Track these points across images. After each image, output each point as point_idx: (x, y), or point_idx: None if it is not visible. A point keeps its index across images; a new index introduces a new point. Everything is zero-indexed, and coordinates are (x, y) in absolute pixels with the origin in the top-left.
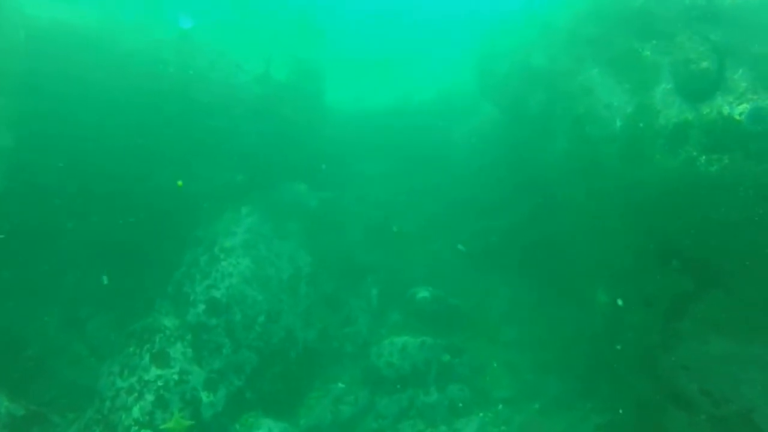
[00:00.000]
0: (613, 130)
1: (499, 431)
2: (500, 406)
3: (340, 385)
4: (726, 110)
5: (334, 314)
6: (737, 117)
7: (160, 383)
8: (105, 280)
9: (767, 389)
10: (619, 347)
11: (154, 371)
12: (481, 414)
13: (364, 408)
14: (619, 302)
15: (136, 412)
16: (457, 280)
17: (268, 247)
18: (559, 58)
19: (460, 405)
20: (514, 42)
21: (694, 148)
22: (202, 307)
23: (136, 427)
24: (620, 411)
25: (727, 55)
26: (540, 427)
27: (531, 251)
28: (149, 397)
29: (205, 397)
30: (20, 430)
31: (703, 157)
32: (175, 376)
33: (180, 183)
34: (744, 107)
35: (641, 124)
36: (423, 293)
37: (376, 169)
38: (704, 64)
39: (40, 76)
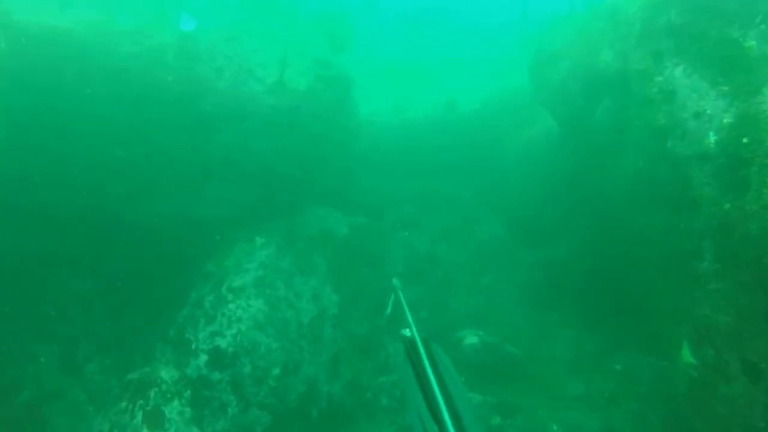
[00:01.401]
0: (705, 146)
1: None
2: None
3: None
4: None
5: (367, 361)
6: None
7: None
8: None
9: None
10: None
11: None
12: None
13: None
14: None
15: None
16: (511, 321)
17: (287, 284)
18: (632, 56)
19: None
20: (574, 38)
21: None
22: (204, 358)
23: None
24: None
25: None
26: None
27: (598, 287)
28: None
29: None
30: None
31: None
32: None
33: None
34: None
35: (745, 140)
36: (471, 338)
37: (416, 189)
38: None
39: (26, 88)
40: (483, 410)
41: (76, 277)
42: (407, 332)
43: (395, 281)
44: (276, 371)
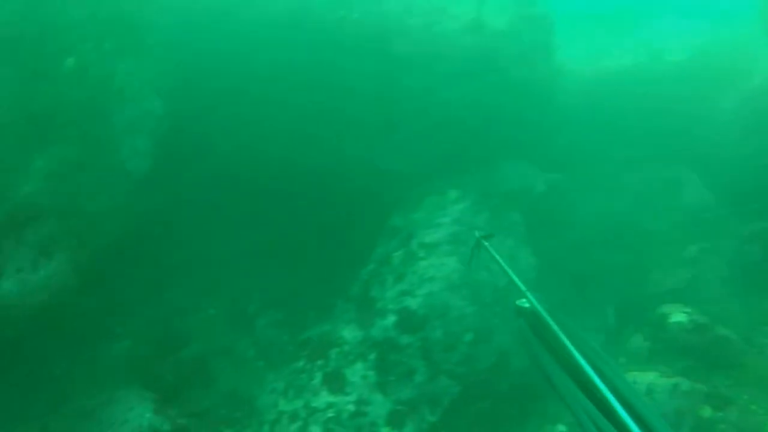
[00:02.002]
0: None
1: None
2: None
3: (561, 428)
4: None
5: None
6: None
7: (330, 413)
8: None
9: None
10: None
11: (325, 397)
12: None
13: None
14: None
15: None
16: (719, 300)
17: None
18: None
19: None
20: None
21: None
22: (392, 318)
23: None
24: None
25: None
26: None
27: None
28: (315, 431)
29: None
30: None
31: None
32: (351, 407)
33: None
34: None
35: None
36: (678, 316)
37: (613, 144)
38: None
39: (197, 32)
40: (692, 399)
41: (248, 229)
42: (524, 302)
43: (477, 233)
44: (469, 337)
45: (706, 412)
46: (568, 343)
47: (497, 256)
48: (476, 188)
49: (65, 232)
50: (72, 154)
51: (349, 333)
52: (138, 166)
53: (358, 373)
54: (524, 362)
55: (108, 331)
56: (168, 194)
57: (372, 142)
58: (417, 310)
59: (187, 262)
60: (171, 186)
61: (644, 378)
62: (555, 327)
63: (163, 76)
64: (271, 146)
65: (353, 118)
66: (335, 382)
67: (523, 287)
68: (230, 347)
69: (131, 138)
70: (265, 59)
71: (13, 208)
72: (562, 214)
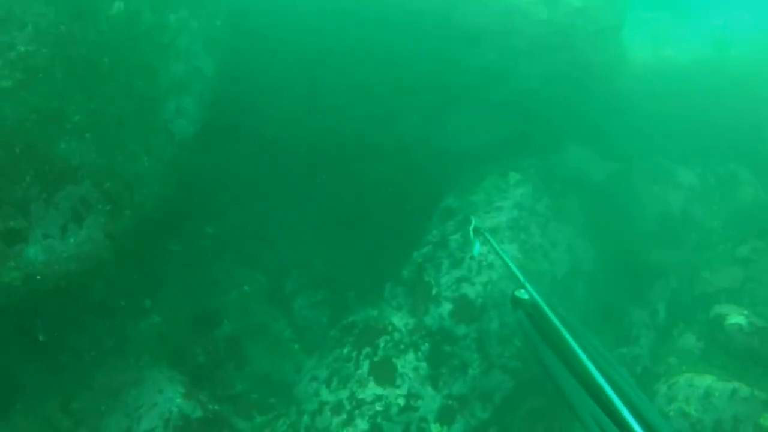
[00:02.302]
0: None
1: None
2: None
3: None
4: None
5: (609, 328)
6: None
7: (378, 407)
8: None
9: None
10: None
11: (373, 388)
12: None
13: None
14: None
15: None
16: None
17: (542, 230)
18: None
19: None
20: None
21: None
22: (448, 307)
23: None
24: None
25: None
26: None
27: None
28: (362, 425)
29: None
30: None
31: None
32: (401, 400)
33: None
34: None
35: None
36: (737, 317)
37: (672, 138)
38: None
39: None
40: (751, 405)
41: (291, 203)
42: (523, 293)
43: (473, 220)
44: None
45: (766, 420)
46: (568, 336)
47: (494, 242)
48: (537, 172)
49: (100, 197)
50: (113, 110)
51: (400, 320)
52: (182, 130)
53: (409, 364)
54: None
55: (137, 305)
56: (211, 162)
57: (429, 118)
58: (475, 298)
59: (225, 235)
60: (215, 154)
61: (701, 381)
62: (555, 320)
63: (219, 35)
64: (323, 120)
65: (410, 91)
66: (384, 372)
67: (522, 277)
68: (265, 327)
69: (177, 98)
70: (328, 29)
71: (43, 167)
72: (619, 204)
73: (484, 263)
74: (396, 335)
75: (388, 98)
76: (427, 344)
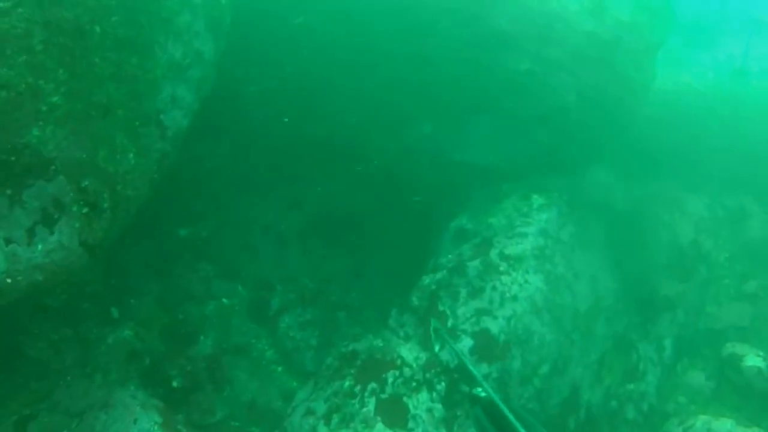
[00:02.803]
0: None
1: None
2: None
3: None
4: None
5: (620, 362)
6: None
7: None
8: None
9: None
10: None
11: (382, 431)
12: None
13: None
14: None
15: None
16: None
17: (567, 260)
18: None
19: None
20: None
21: None
22: (468, 342)
23: None
24: None
25: None
26: None
27: None
28: None
29: None
30: None
31: None
32: None
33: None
34: None
35: None
36: (753, 360)
37: (685, 165)
38: None
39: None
40: None
41: (281, 211)
42: (480, 391)
43: (434, 323)
44: (545, 369)
45: None
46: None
47: (452, 343)
48: (561, 195)
49: (76, 196)
50: (99, 93)
51: (409, 353)
52: (176, 123)
53: (423, 404)
54: (595, 397)
55: (104, 314)
56: (202, 160)
57: (445, 125)
58: (498, 334)
59: (206, 242)
60: (200, 149)
61: (720, 426)
62: (511, 417)
63: (223, 15)
64: (327, 117)
65: (430, 94)
66: (394, 413)
67: (479, 376)
68: (247, 346)
69: (173, 85)
70: (349, 22)
71: (9, 157)
72: (635, 233)
73: (507, 295)
74: (406, 371)
75: (401, 99)
76: (443, 383)
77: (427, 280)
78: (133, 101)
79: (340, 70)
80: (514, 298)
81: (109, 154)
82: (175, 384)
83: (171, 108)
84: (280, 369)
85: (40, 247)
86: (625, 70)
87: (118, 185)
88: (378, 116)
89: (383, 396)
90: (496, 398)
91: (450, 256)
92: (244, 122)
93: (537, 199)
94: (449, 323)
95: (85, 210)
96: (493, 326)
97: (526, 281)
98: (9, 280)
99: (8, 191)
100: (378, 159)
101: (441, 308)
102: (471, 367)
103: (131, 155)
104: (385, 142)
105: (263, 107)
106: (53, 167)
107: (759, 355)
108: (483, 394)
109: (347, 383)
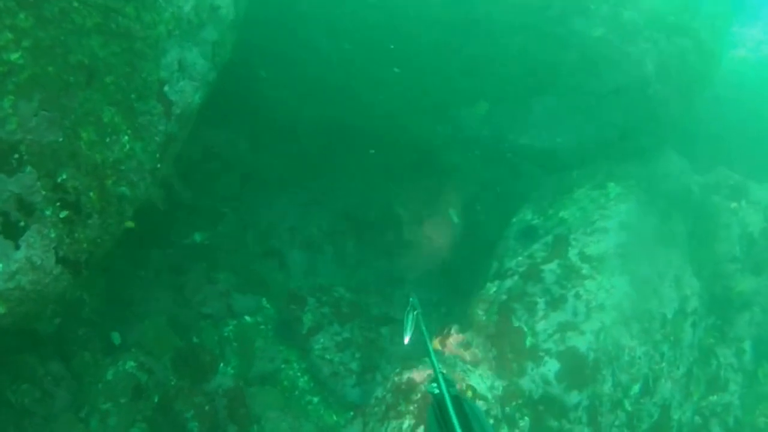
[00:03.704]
0: None
1: None
2: None
3: None
4: None
5: (702, 372)
6: None
7: None
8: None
9: None
10: None
11: None
12: None
13: None
14: None
15: None
16: None
17: (650, 259)
18: None
19: None
20: None
21: None
22: (554, 365)
23: None
24: None
25: None
26: None
27: None
28: None
29: None
30: None
31: None
32: None
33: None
34: None
35: None
36: None
37: (745, 151)
38: None
39: None
40: None
41: (300, 207)
42: (434, 388)
43: (412, 299)
44: (635, 389)
45: None
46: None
47: (425, 330)
48: (639, 183)
49: (51, 195)
50: (79, 52)
51: (481, 381)
52: (185, 98)
53: None
54: (685, 416)
55: (103, 341)
56: (218, 148)
57: (504, 104)
58: (586, 353)
59: (221, 248)
60: (217, 136)
61: None
62: (454, 421)
63: None
64: (361, 103)
65: (486, 69)
66: None
67: (438, 369)
68: (275, 374)
69: (181, 46)
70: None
71: None
72: (709, 224)
73: (594, 304)
74: (480, 404)
75: (451, 75)
76: (526, 418)
77: (492, 288)
78: (126, 65)
79: (376, 39)
80: (601, 307)
81: (96, 137)
82: (190, 427)
83: (178, 77)
84: (316, 400)
85: (0, 267)
86: (706, 38)
87: (109, 179)
88: (421, 96)
89: None
90: (447, 398)
91: (519, 258)
92: (265, 106)
93: (614, 188)
94: (527, 342)
95: (63, 214)
96: (581, 343)
97: (612, 286)
98: None
99: None
100: (422, 145)
101: (516, 324)
102: (435, 363)
103: (125, 138)
104: (431, 125)
105: (287, 87)
106: (16, 155)
107: None
108: (436, 391)
109: (407, 423)
